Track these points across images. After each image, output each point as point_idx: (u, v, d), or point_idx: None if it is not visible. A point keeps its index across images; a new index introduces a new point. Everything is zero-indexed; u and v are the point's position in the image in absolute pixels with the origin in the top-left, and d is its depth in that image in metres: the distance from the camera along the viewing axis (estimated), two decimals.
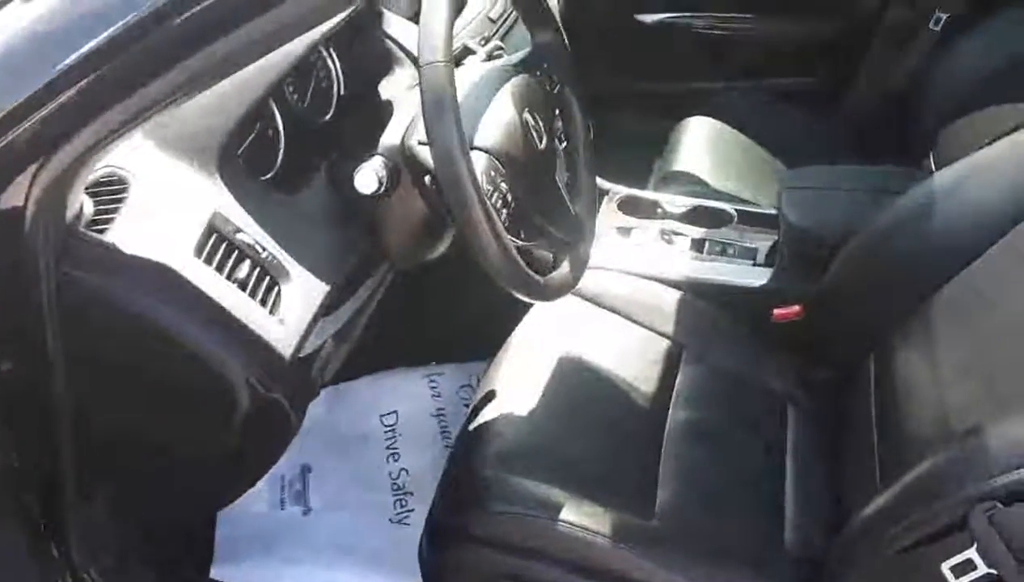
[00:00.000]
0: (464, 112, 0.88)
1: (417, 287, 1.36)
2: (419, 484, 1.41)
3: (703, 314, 1.33)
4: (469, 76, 0.95)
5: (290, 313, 0.88)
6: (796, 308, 1.28)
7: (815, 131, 1.87)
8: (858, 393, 1.17)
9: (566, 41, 1.07)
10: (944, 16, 1.69)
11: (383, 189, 0.89)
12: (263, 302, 0.86)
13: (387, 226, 0.97)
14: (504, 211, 0.88)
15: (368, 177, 0.89)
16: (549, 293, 0.94)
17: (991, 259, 0.99)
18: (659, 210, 1.51)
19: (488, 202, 0.84)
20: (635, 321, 1.30)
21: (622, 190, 1.55)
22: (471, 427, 1.15)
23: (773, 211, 1.44)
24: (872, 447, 1.05)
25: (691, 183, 1.61)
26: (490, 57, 1.07)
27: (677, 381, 1.25)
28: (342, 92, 1.08)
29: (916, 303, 1.08)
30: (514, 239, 0.91)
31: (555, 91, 1.06)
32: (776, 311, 1.30)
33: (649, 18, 1.96)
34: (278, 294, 0.88)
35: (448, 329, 1.56)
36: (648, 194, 1.54)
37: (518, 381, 1.19)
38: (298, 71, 0.99)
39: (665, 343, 1.28)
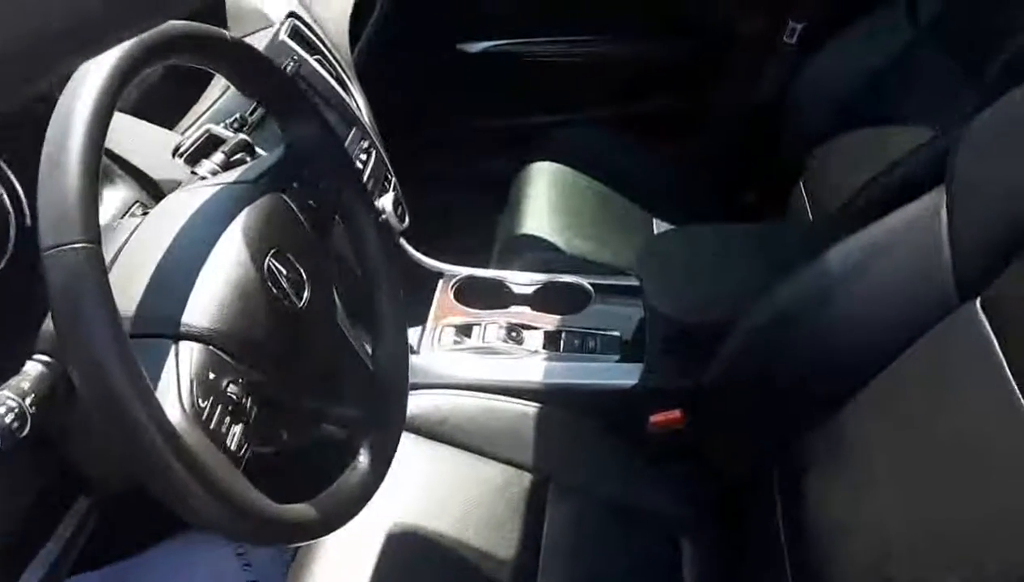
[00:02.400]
0: (163, 280, 0.58)
1: None
2: None
3: (568, 431, 1.08)
4: (174, 216, 0.64)
5: None
6: (676, 413, 1.04)
7: (674, 161, 1.65)
8: (763, 518, 0.94)
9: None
10: (799, 27, 1.50)
11: (24, 431, 0.56)
12: None
13: (71, 441, 0.64)
14: (238, 426, 0.58)
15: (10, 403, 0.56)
16: (335, 518, 0.65)
17: (919, 356, 0.77)
18: (505, 292, 1.25)
19: (200, 426, 0.54)
20: (485, 454, 1.03)
21: (459, 271, 1.27)
22: None
23: (636, 281, 1.20)
24: None
25: (539, 249, 1.35)
26: (226, 166, 0.76)
27: (546, 524, 0.99)
28: (20, 231, 0.74)
29: (824, 409, 0.86)
30: (263, 449, 0.61)
31: (324, 205, 0.76)
32: (653, 418, 1.06)
33: (474, 47, 1.70)
34: None
35: None
36: (490, 273, 1.27)
37: (342, 553, 0.91)
38: None
39: (526, 477, 1.02)
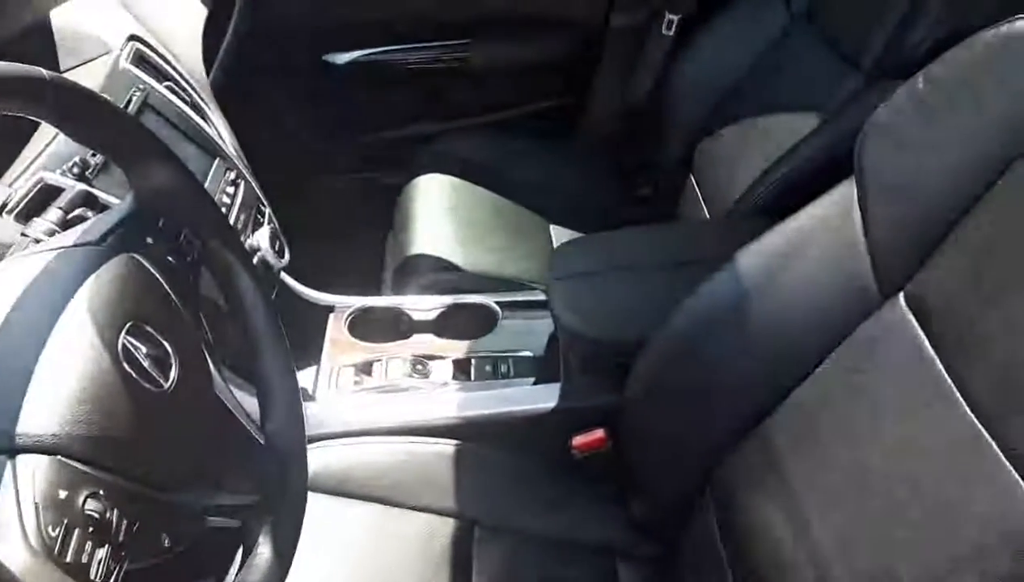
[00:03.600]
0: None
1: None
2: None
3: (489, 466, 1.01)
4: (0, 293, 0.53)
5: None
6: (599, 434, 0.99)
7: (563, 162, 1.61)
8: (700, 535, 0.90)
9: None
10: (676, 18, 1.48)
11: None
12: None
13: None
14: (104, 549, 0.48)
15: None
16: None
17: (845, 357, 0.74)
18: (404, 320, 1.16)
19: (54, 563, 0.44)
20: (401, 505, 0.95)
21: (351, 303, 1.18)
22: None
23: (542, 294, 1.14)
24: None
25: (436, 269, 1.27)
26: (65, 224, 0.65)
27: (474, 572, 0.92)
28: None
29: (752, 419, 0.83)
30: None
31: (186, 261, 0.66)
32: (575, 440, 1.00)
33: (341, 58, 1.59)
34: None
35: None
36: (386, 302, 1.19)
37: None
38: None
39: (449, 524, 0.94)
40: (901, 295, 0.70)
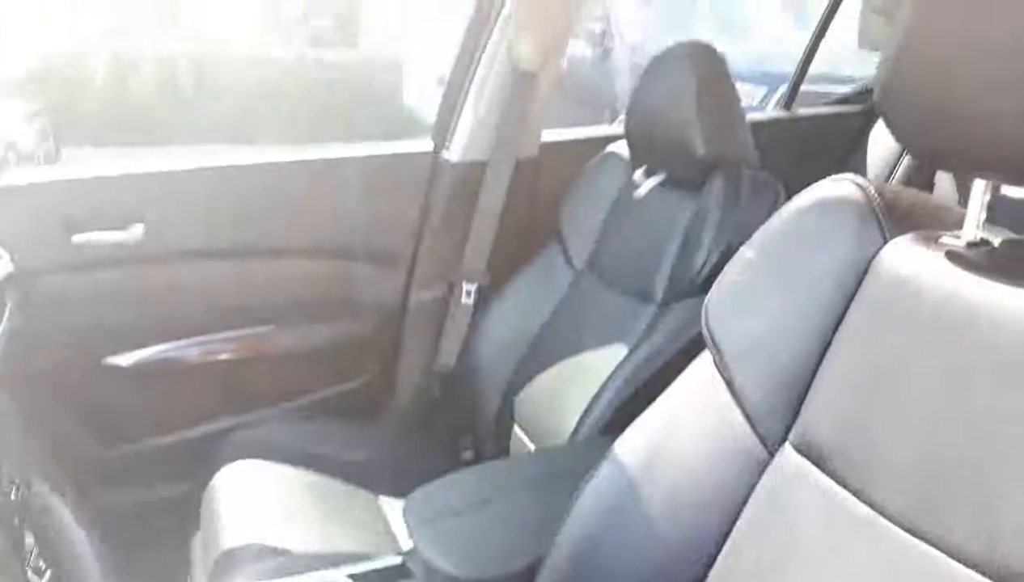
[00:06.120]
0: None
1: None
2: None
3: None
4: None
5: None
6: None
7: (378, 439, 1.55)
8: None
9: None
10: (472, 287, 1.58)
11: None
12: None
13: None
14: None
15: None
16: None
17: (753, 521, 0.73)
18: None
19: None
20: None
21: None
22: None
23: (397, 558, 1.03)
24: None
25: (262, 557, 1.11)
26: None
27: None
28: None
29: None
30: None
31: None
32: None
33: (126, 359, 1.47)
34: None
35: None
36: None
37: None
38: None
39: None
40: (787, 444, 0.72)
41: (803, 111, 2.20)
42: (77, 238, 1.37)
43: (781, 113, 2.19)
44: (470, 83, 1.57)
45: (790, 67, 2.22)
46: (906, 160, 2.01)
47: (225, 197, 1.48)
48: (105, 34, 5.46)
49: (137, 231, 1.40)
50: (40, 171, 1.51)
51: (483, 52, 1.55)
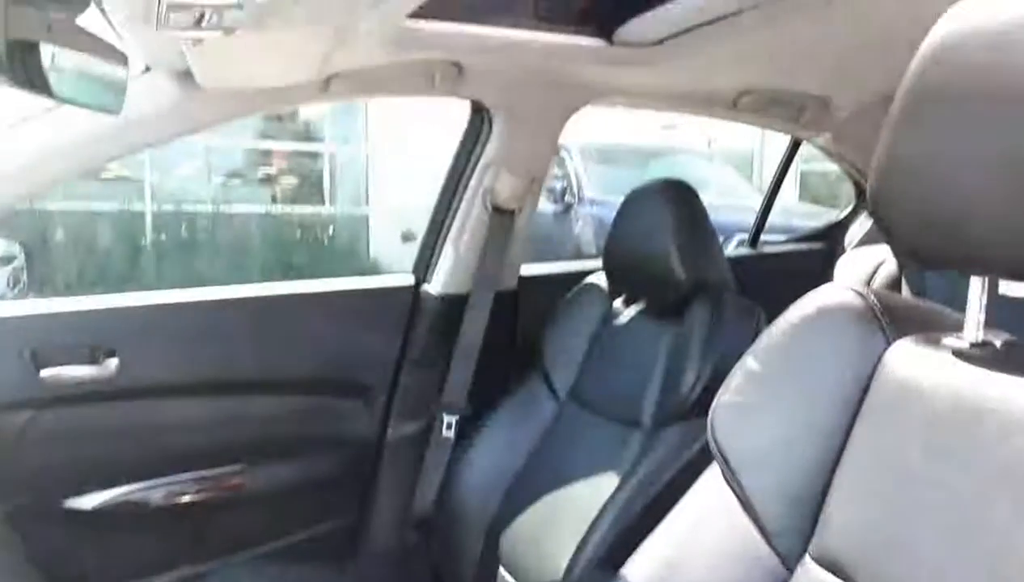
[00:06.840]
0: None
1: None
2: None
3: None
4: None
5: None
6: None
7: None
8: None
9: None
10: (453, 419, 1.54)
11: None
12: None
13: None
14: None
15: None
16: None
17: None
18: None
19: None
20: None
21: None
22: None
23: None
24: None
25: None
26: None
27: None
28: None
29: None
30: None
31: None
32: None
33: (88, 502, 1.38)
34: None
35: None
36: None
37: None
38: None
39: None
40: (807, 558, 0.69)
41: (768, 248, 2.28)
42: (45, 373, 1.32)
43: (748, 250, 2.27)
44: (452, 219, 1.61)
45: (739, 217, 2.33)
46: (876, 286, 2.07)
47: (203, 331, 1.45)
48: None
49: (111, 365, 1.35)
50: (7, 304, 1.47)
51: (464, 190, 1.60)
